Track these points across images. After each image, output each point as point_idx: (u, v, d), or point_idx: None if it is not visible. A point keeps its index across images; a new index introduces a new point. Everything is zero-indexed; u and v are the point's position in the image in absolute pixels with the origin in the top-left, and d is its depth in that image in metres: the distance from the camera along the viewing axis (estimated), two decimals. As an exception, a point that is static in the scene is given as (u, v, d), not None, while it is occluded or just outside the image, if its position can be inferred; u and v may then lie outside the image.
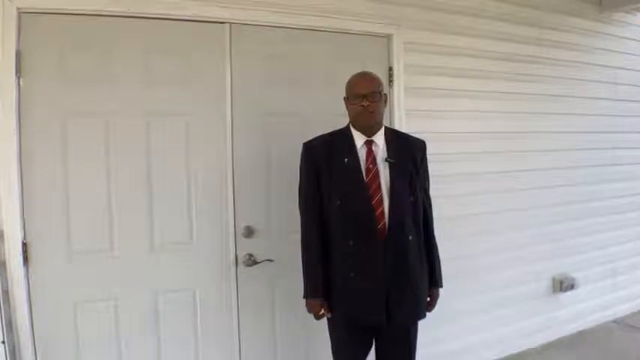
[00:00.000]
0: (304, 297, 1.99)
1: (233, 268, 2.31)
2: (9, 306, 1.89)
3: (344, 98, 2.02)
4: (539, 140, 3.27)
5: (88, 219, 2.05)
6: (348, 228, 1.90)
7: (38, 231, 1.97)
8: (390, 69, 2.68)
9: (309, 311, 1.99)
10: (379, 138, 1.97)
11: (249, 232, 2.33)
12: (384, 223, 1.89)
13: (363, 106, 1.89)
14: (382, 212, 1.89)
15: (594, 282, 3.61)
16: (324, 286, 1.94)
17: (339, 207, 1.91)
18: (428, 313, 2.05)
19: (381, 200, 1.89)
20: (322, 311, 1.97)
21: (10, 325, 1.88)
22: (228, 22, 2.27)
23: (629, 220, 3.80)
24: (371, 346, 2.04)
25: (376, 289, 1.88)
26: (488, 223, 3.05)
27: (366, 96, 1.89)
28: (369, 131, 1.95)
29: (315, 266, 1.94)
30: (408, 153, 2.00)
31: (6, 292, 1.88)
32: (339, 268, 1.93)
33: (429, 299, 2.05)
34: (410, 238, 1.92)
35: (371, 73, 2.01)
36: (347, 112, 2.01)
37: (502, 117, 3.10)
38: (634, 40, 3.80)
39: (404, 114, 2.70)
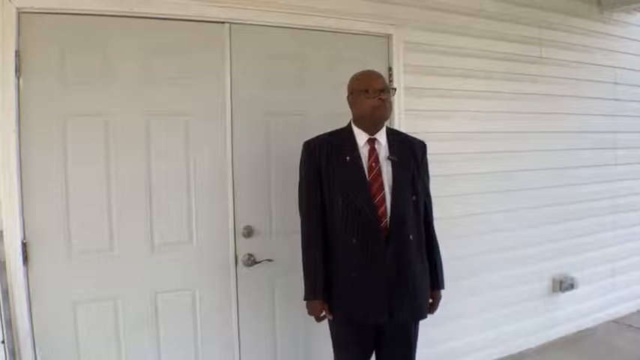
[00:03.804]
0: (305, 299, 1.97)
1: (233, 268, 2.31)
2: (9, 306, 1.89)
3: (347, 97, 2.01)
4: (539, 140, 3.27)
5: (88, 219, 2.05)
6: (349, 226, 1.89)
7: (38, 231, 1.97)
8: (390, 69, 2.68)
9: (310, 313, 1.98)
10: (382, 136, 1.97)
11: (249, 232, 2.33)
12: (386, 222, 1.88)
13: (381, 99, 1.89)
14: (384, 210, 1.89)
15: (594, 282, 3.61)
16: (325, 286, 1.93)
17: (341, 205, 1.90)
18: (430, 315, 2.04)
19: (383, 199, 1.89)
20: (323, 313, 1.96)
21: (10, 325, 1.88)
22: (228, 22, 2.27)
23: (628, 220, 3.80)
24: (373, 346, 2.03)
25: (377, 288, 1.88)
26: (488, 223, 3.05)
27: (383, 90, 1.91)
28: (374, 128, 1.95)
29: (316, 266, 1.93)
30: (410, 152, 2.00)
31: (6, 292, 1.88)
32: (341, 268, 1.92)
33: (431, 301, 2.04)
34: (411, 237, 1.92)
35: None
36: (348, 111, 2.01)
37: (502, 117, 3.10)
38: (634, 40, 3.81)
39: (404, 114, 2.70)
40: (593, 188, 3.56)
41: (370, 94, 1.90)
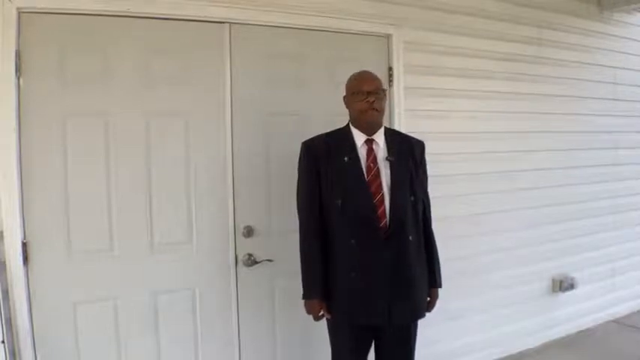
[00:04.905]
0: (303, 298, 1.98)
1: (233, 268, 2.31)
2: (9, 306, 1.89)
3: (344, 97, 2.02)
4: (539, 140, 3.27)
5: (88, 219, 2.05)
6: (348, 227, 1.90)
7: (38, 231, 1.97)
8: (390, 69, 2.68)
9: (308, 312, 1.98)
10: (380, 137, 1.97)
11: (249, 232, 2.33)
12: (385, 222, 1.88)
13: (369, 101, 1.89)
14: (383, 211, 1.88)
15: (594, 282, 3.61)
16: (323, 286, 1.93)
17: (340, 206, 1.90)
18: (428, 313, 2.05)
19: (382, 199, 1.89)
20: (321, 312, 1.96)
21: (10, 325, 1.88)
22: (228, 22, 2.27)
23: (628, 220, 3.80)
24: (370, 346, 2.03)
25: (376, 289, 1.88)
26: (489, 223, 3.05)
27: (371, 92, 1.90)
28: (370, 129, 1.95)
29: (314, 266, 1.94)
30: (408, 152, 2.00)
31: (6, 292, 1.88)
32: (340, 268, 1.92)
33: (428, 299, 2.05)
34: (410, 237, 1.92)
35: (371, 71, 2.01)
36: (347, 112, 2.01)
37: (502, 117, 3.10)
38: (634, 40, 3.81)
39: (404, 114, 2.70)
40: (593, 188, 3.56)
41: (358, 97, 1.91)
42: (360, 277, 1.88)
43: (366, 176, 1.91)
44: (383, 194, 1.89)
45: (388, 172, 1.92)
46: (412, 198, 1.94)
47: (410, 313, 1.94)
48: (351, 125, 2.00)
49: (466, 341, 2.98)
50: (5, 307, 1.86)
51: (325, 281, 1.94)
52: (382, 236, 1.87)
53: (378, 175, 1.91)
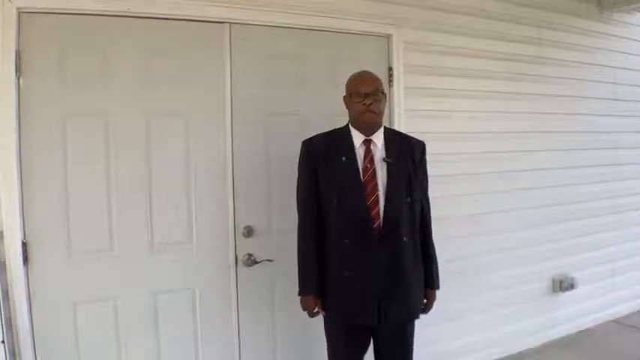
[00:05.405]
0: (299, 294, 1.99)
1: (233, 268, 2.31)
2: (9, 306, 1.89)
3: (344, 97, 2.02)
4: (539, 140, 3.27)
5: (88, 219, 2.05)
6: (343, 227, 1.90)
7: (38, 231, 1.97)
8: (390, 69, 2.68)
9: (304, 309, 1.99)
10: (378, 137, 1.97)
11: (249, 232, 2.33)
12: (380, 223, 1.88)
13: (365, 104, 1.88)
14: (378, 212, 1.88)
15: (594, 282, 3.61)
16: (318, 283, 1.94)
17: (336, 205, 1.90)
18: (428, 314, 2.05)
19: (377, 200, 1.89)
20: (316, 309, 1.97)
21: (10, 325, 1.88)
22: (228, 22, 2.27)
23: (628, 220, 3.80)
24: (367, 345, 2.03)
25: (369, 289, 1.88)
26: (489, 223, 3.05)
27: (369, 94, 1.89)
28: (369, 130, 1.95)
29: (311, 264, 1.94)
30: (407, 153, 1.99)
31: (6, 292, 1.88)
32: (334, 267, 1.93)
33: (425, 301, 2.04)
34: (405, 239, 1.92)
35: (371, 72, 2.01)
36: (347, 112, 2.01)
37: (502, 117, 3.10)
38: (634, 40, 3.81)
39: (404, 114, 2.70)
40: (593, 188, 3.56)
41: (356, 98, 1.91)
42: (354, 277, 1.89)
43: (362, 177, 1.91)
44: (378, 195, 1.89)
45: (385, 172, 1.92)
46: (408, 199, 1.94)
47: (403, 313, 1.94)
48: (350, 125, 2.00)
49: (466, 341, 2.98)
50: (5, 307, 1.86)
51: (321, 279, 1.94)
52: (376, 237, 1.88)
53: (374, 175, 1.91)
